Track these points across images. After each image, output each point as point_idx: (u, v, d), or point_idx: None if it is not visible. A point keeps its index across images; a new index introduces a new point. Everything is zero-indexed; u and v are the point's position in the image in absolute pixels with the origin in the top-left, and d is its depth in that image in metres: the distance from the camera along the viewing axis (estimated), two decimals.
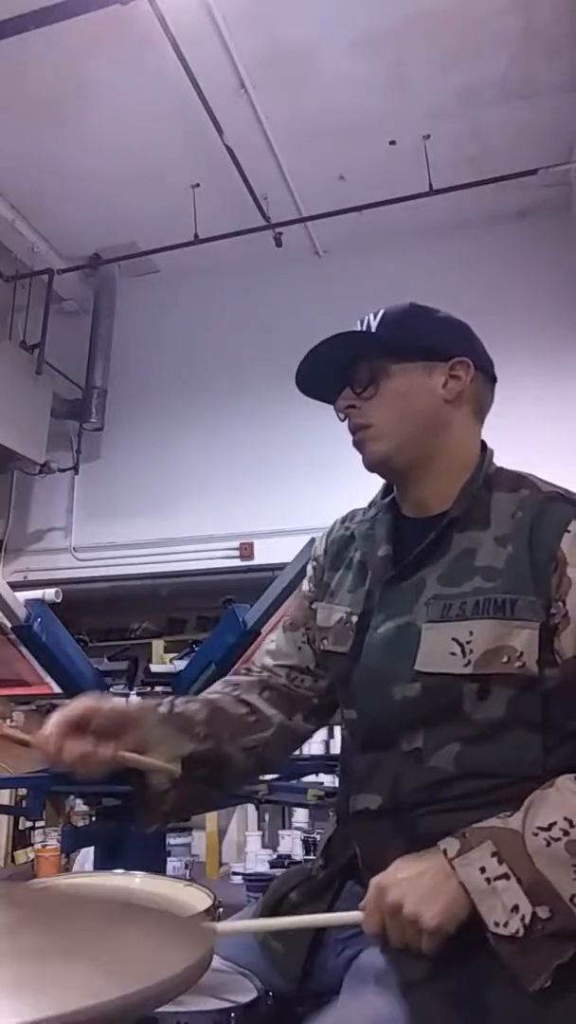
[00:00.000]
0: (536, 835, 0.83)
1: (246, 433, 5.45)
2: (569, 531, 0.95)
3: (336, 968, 0.99)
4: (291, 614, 1.24)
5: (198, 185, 5.10)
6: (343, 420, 1.10)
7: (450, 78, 4.33)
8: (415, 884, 0.83)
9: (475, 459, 1.08)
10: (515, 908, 0.80)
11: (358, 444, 1.09)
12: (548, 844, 0.82)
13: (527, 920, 0.79)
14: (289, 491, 5.15)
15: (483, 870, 0.82)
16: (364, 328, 1.09)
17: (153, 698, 2.65)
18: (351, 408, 1.08)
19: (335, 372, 1.09)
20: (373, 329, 1.08)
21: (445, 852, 0.85)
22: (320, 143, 4.75)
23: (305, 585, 1.25)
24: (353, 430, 1.09)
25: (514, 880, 0.81)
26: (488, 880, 0.82)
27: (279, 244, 5.23)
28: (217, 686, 1.19)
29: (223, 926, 1.00)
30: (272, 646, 1.23)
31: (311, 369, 1.09)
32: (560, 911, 0.80)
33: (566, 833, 0.83)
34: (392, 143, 4.80)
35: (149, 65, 4.16)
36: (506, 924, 0.80)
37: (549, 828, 0.83)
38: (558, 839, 0.82)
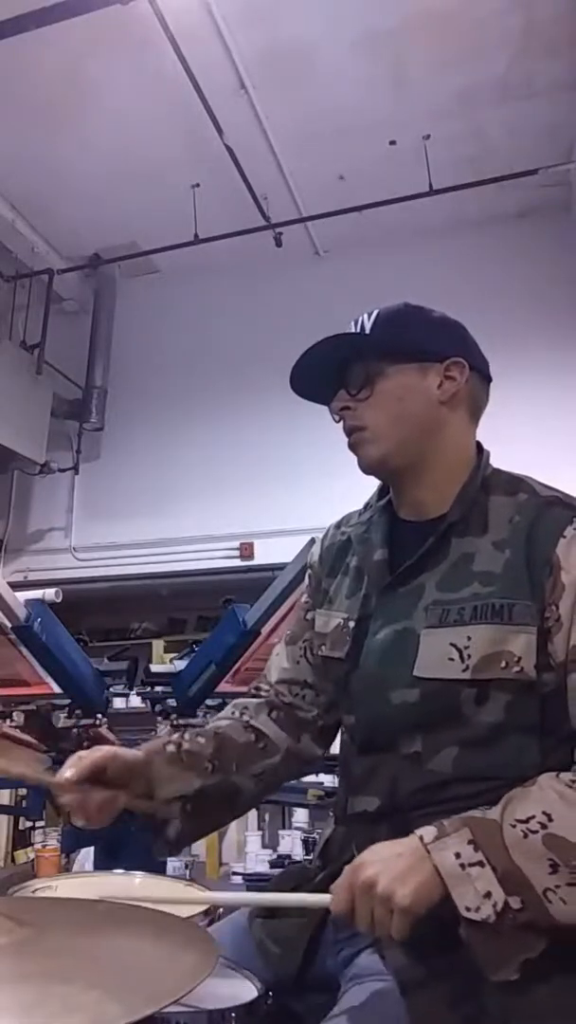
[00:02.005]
0: (514, 827, 0.84)
1: (246, 433, 5.45)
2: (565, 536, 0.96)
3: (334, 968, 1.00)
4: (291, 628, 1.25)
5: (198, 185, 5.10)
6: (338, 422, 1.10)
7: (450, 78, 4.33)
8: (390, 864, 0.83)
9: (471, 461, 1.08)
10: (487, 895, 0.80)
11: (353, 446, 1.09)
12: (525, 836, 0.83)
13: (499, 907, 0.80)
14: (289, 491, 5.15)
15: (458, 855, 0.82)
16: (358, 329, 1.08)
17: (153, 699, 2.65)
18: (346, 410, 1.07)
19: (330, 374, 1.08)
20: (367, 330, 1.07)
21: (421, 838, 0.85)
22: (320, 143, 4.74)
23: (304, 596, 1.25)
24: (348, 432, 1.09)
25: (488, 868, 0.81)
26: (462, 865, 0.82)
27: (279, 244, 5.22)
28: (227, 711, 1.20)
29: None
30: (277, 660, 1.24)
31: (306, 371, 1.09)
32: (532, 903, 0.80)
33: (543, 827, 0.83)
34: (392, 143, 4.79)
35: (149, 65, 4.16)
36: (478, 909, 0.80)
37: (527, 821, 0.84)
38: (535, 832, 0.83)
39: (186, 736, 1.09)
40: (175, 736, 1.09)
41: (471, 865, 0.82)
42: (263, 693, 1.22)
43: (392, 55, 4.18)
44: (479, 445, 1.11)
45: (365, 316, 1.09)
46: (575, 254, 5.17)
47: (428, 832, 0.85)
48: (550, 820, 0.83)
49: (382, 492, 1.16)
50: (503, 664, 0.93)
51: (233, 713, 1.18)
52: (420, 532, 1.05)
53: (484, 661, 0.93)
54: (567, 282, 5.12)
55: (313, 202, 5.17)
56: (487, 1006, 0.84)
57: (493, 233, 5.36)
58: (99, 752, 0.98)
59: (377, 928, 0.82)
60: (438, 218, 5.20)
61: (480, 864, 0.82)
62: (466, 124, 4.66)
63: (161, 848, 1.04)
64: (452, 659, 0.95)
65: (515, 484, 1.05)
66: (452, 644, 0.95)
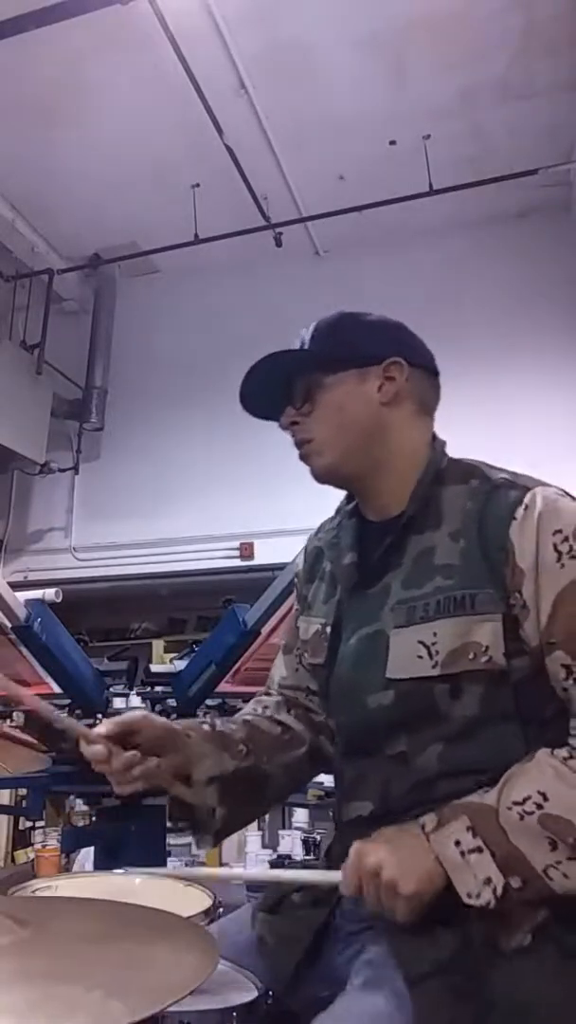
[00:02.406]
0: (510, 809, 0.85)
1: (246, 433, 5.41)
2: (516, 518, 0.95)
3: (342, 964, 1.00)
4: (285, 637, 1.27)
5: (198, 185, 5.10)
6: (293, 437, 1.12)
7: (450, 78, 4.32)
8: (394, 853, 0.86)
9: (425, 456, 1.08)
10: (487, 880, 0.83)
11: (303, 458, 1.11)
12: (521, 818, 0.84)
13: (499, 891, 0.83)
14: (289, 491, 5.13)
15: (458, 843, 0.85)
16: (300, 345, 1.10)
17: (153, 699, 2.66)
18: (293, 424, 1.10)
19: (277, 390, 1.11)
20: (306, 344, 1.09)
21: (423, 826, 0.88)
22: (320, 143, 4.74)
23: (294, 605, 1.27)
24: (297, 445, 1.11)
25: (487, 853, 0.84)
26: (462, 853, 0.85)
27: (279, 244, 5.22)
28: (249, 706, 1.22)
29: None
30: (276, 669, 1.25)
31: (254, 390, 1.12)
32: (532, 881, 0.83)
33: (539, 807, 0.84)
34: (392, 143, 4.79)
35: (149, 65, 4.16)
36: (478, 895, 0.83)
37: (523, 802, 0.85)
38: (531, 812, 0.84)
39: (217, 721, 1.12)
40: (207, 718, 1.11)
41: (470, 852, 0.84)
42: (275, 694, 1.23)
43: (392, 55, 4.18)
44: (434, 437, 1.11)
45: (304, 330, 1.11)
46: (575, 254, 5.17)
47: (430, 820, 0.88)
48: (545, 800, 0.84)
49: (350, 496, 1.17)
50: (471, 656, 0.93)
51: (255, 709, 1.20)
52: (384, 532, 1.06)
53: (452, 655, 0.94)
54: (567, 282, 5.12)
55: (313, 202, 5.17)
56: (495, 998, 0.85)
57: (493, 233, 5.36)
58: (134, 715, 1.00)
59: (385, 911, 0.85)
60: (438, 218, 5.20)
61: (479, 850, 0.84)
62: (466, 124, 4.66)
63: (206, 840, 1.05)
64: (421, 657, 0.95)
65: (468, 471, 1.05)
66: (420, 642, 0.96)
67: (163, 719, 1.04)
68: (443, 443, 1.10)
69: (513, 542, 0.94)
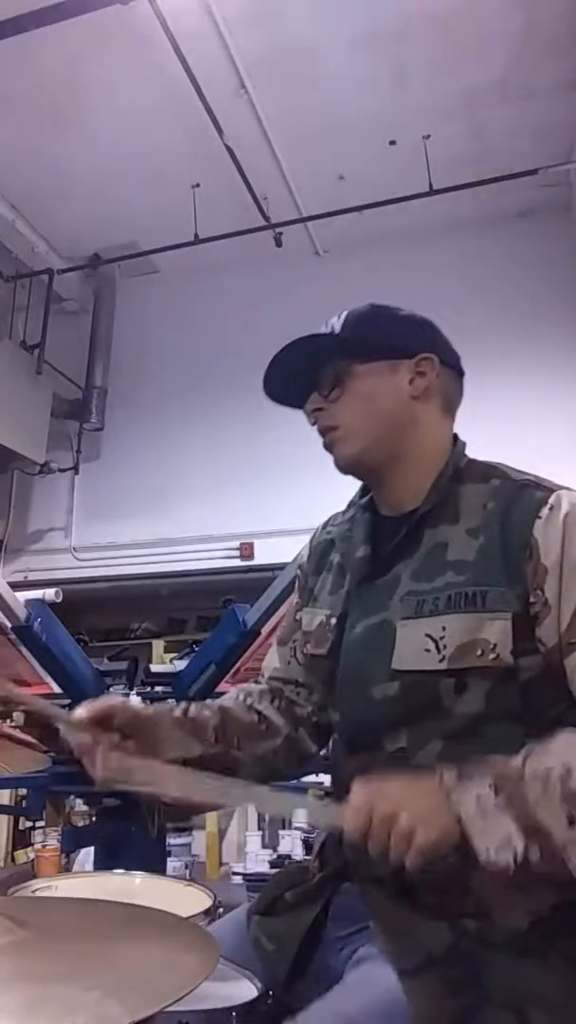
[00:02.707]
0: (534, 779, 0.82)
1: (246, 433, 5.44)
2: (540, 517, 0.95)
3: (336, 966, 1.00)
4: (282, 629, 1.27)
5: (198, 185, 5.10)
6: (313, 424, 1.11)
7: (450, 78, 4.33)
8: (412, 800, 0.82)
9: (446, 454, 1.08)
10: (507, 841, 0.79)
11: (328, 446, 1.10)
12: (545, 789, 0.81)
13: (519, 855, 0.78)
14: (289, 491, 5.15)
15: (479, 799, 0.81)
16: (328, 329, 1.09)
17: (154, 698, 2.65)
18: (319, 411, 1.09)
19: (301, 377, 1.09)
20: (336, 332, 1.08)
21: (442, 778, 0.84)
22: (320, 143, 4.74)
23: (294, 597, 1.26)
24: (322, 432, 1.10)
25: (509, 816, 0.80)
26: (483, 812, 0.80)
27: (279, 244, 5.22)
28: (231, 693, 1.22)
29: None
30: (268, 661, 1.26)
31: (278, 375, 1.10)
32: (549, 852, 0.79)
33: (563, 780, 0.81)
34: (392, 143, 4.79)
35: (149, 65, 4.16)
36: (497, 855, 0.79)
37: (548, 773, 0.82)
38: (555, 784, 0.81)
39: (192, 706, 1.11)
40: (183, 704, 1.11)
41: (492, 810, 0.81)
42: (263, 682, 1.24)
43: (392, 55, 4.18)
44: (455, 437, 1.12)
45: (335, 318, 1.10)
46: (575, 254, 5.17)
47: (449, 774, 0.84)
48: (569, 775, 0.81)
49: (364, 490, 1.17)
50: (479, 652, 0.93)
51: (237, 696, 1.20)
52: (398, 526, 1.05)
53: (460, 650, 0.93)
54: (567, 282, 5.12)
55: (313, 202, 5.17)
56: (490, 990, 0.84)
57: (493, 233, 5.36)
58: (110, 699, 1.01)
59: (392, 857, 0.80)
60: (438, 218, 5.20)
61: (500, 810, 0.80)
62: (466, 124, 4.66)
63: (160, 821, 1.06)
64: (428, 650, 0.95)
65: (489, 471, 1.05)
66: (428, 635, 0.95)
67: (136, 704, 1.05)
68: (464, 443, 1.10)
69: (537, 539, 0.94)
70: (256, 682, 1.25)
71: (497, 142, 4.75)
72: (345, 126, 4.62)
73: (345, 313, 1.10)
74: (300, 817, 1.00)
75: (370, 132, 4.69)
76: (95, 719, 0.98)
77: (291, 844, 4.40)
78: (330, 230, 5.42)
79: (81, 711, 0.98)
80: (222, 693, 2.56)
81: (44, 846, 4.32)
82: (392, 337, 1.08)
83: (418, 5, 3.89)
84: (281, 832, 4.63)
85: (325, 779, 3.09)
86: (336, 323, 1.09)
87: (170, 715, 1.07)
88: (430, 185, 4.79)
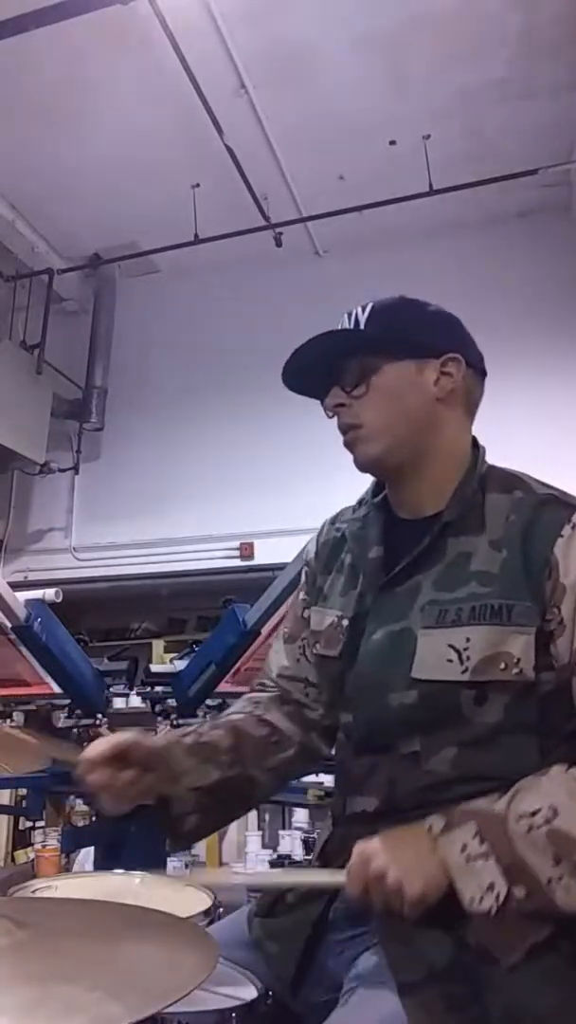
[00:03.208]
0: (520, 820, 0.84)
1: (246, 433, 5.44)
2: (562, 535, 0.94)
3: (336, 969, 0.99)
4: (288, 626, 1.24)
5: (198, 185, 5.09)
6: (331, 418, 1.08)
7: (450, 78, 4.32)
8: (399, 855, 0.85)
9: (467, 457, 1.06)
10: (491, 887, 0.82)
11: (349, 444, 1.07)
12: (529, 830, 0.83)
13: (501, 898, 0.81)
14: (289, 491, 5.15)
15: (464, 848, 0.84)
16: (352, 321, 1.06)
17: (153, 699, 2.65)
18: (340, 407, 1.05)
19: (323, 368, 1.06)
20: (361, 324, 1.05)
21: (430, 828, 0.87)
22: (320, 143, 4.74)
23: (300, 593, 1.24)
24: (343, 430, 1.07)
25: (493, 860, 0.83)
26: (468, 859, 0.83)
27: (279, 244, 5.22)
28: (239, 704, 1.20)
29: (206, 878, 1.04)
30: (276, 657, 1.23)
31: (299, 366, 1.07)
32: (536, 892, 0.81)
33: (548, 821, 0.83)
34: (392, 143, 4.79)
35: (149, 65, 4.16)
36: (481, 900, 0.81)
37: (533, 815, 0.84)
38: (540, 826, 0.83)
39: (203, 728, 1.10)
40: (193, 727, 1.10)
41: (476, 857, 0.83)
42: (270, 689, 1.22)
43: (392, 55, 4.18)
44: (475, 441, 1.10)
45: (359, 309, 1.07)
46: (575, 254, 5.17)
47: (437, 823, 0.87)
48: (555, 815, 0.83)
49: (377, 488, 1.15)
50: (502, 666, 0.92)
51: (246, 707, 1.18)
52: (416, 530, 1.03)
53: (484, 663, 0.93)
54: (567, 282, 5.12)
55: (313, 202, 5.16)
56: (490, 1008, 0.84)
57: (493, 233, 5.36)
58: (121, 736, 0.99)
59: (392, 911, 0.84)
60: (438, 218, 5.20)
61: (485, 856, 0.83)
62: (466, 124, 4.65)
63: (176, 842, 1.05)
64: (451, 660, 0.94)
65: (511, 481, 1.04)
66: (450, 645, 0.94)
67: (149, 738, 1.02)
68: (484, 448, 1.08)
69: (558, 558, 0.93)
70: (263, 685, 1.23)
71: (497, 142, 4.75)
72: (345, 126, 4.61)
73: (371, 305, 1.06)
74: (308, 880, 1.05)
75: (370, 132, 4.68)
76: (112, 757, 0.96)
77: (291, 844, 4.40)
78: (330, 230, 5.42)
79: (98, 748, 0.96)
80: (222, 693, 2.57)
81: (44, 846, 4.31)
82: (419, 335, 1.05)
83: (419, 5, 3.89)
84: (281, 832, 4.64)
85: (325, 779, 3.10)
86: (361, 316, 1.06)
87: (183, 743, 1.05)
88: (430, 185, 4.79)
